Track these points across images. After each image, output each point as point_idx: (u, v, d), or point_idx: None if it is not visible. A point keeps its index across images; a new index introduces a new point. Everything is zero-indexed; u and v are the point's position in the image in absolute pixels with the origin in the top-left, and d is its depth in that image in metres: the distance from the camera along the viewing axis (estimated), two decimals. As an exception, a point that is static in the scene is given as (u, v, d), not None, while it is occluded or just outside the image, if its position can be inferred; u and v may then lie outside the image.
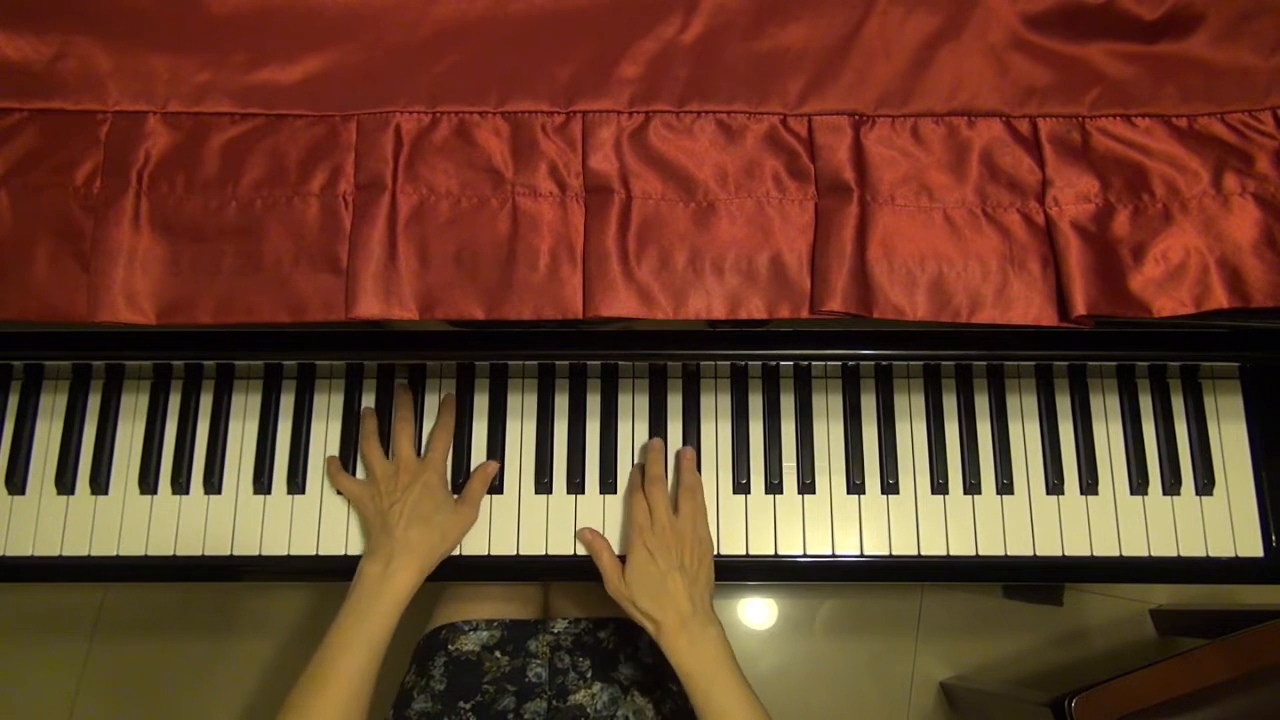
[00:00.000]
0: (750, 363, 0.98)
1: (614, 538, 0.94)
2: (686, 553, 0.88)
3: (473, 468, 0.96)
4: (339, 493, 0.95)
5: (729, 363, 0.98)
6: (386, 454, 0.94)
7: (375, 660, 0.83)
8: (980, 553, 0.95)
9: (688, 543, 0.89)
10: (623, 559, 0.90)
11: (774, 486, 0.96)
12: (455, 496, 0.94)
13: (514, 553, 0.95)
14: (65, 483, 0.96)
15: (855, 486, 0.96)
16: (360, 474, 0.96)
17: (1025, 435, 0.98)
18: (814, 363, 0.97)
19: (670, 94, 0.80)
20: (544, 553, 0.95)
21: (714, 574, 0.90)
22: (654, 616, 0.85)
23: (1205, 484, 0.96)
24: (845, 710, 1.62)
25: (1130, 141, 0.80)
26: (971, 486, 0.96)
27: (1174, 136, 0.79)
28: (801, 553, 0.95)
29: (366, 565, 0.87)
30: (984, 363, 0.98)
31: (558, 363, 0.97)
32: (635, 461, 0.97)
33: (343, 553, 0.94)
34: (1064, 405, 0.98)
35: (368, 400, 0.98)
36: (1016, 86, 0.81)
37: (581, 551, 0.94)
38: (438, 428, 0.96)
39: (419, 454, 0.95)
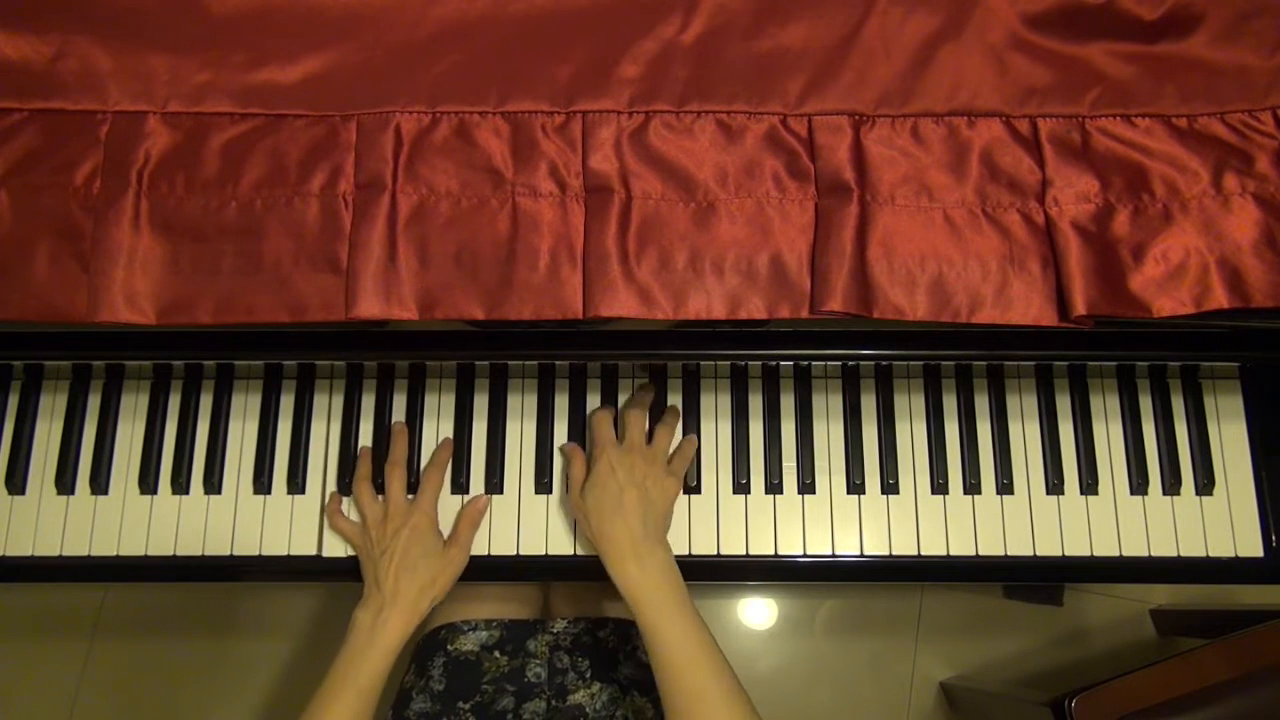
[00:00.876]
0: (750, 363, 0.98)
1: (614, 538, 0.94)
2: (651, 479, 0.87)
3: (473, 468, 0.96)
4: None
5: (729, 363, 0.98)
6: (382, 491, 0.93)
7: (368, 706, 0.84)
8: (980, 553, 0.95)
9: (656, 469, 0.88)
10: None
11: (774, 486, 0.96)
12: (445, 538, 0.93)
13: (514, 553, 0.94)
14: (65, 483, 0.96)
15: (855, 486, 0.96)
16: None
17: (1025, 435, 0.97)
18: (814, 363, 0.97)
19: (670, 94, 0.80)
20: (544, 553, 0.95)
21: (672, 516, 0.90)
22: (604, 532, 0.84)
23: (1205, 484, 0.96)
24: (845, 710, 1.62)
25: (1130, 141, 0.80)
26: (971, 486, 0.96)
27: (1174, 136, 0.79)
28: (801, 553, 0.95)
29: (359, 614, 0.88)
30: (984, 363, 0.98)
31: (558, 363, 0.97)
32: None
33: (344, 554, 0.94)
34: (1064, 405, 0.98)
35: (368, 400, 0.98)
36: (1016, 86, 0.81)
37: (582, 551, 0.94)
38: (430, 467, 0.95)
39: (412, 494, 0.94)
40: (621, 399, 0.98)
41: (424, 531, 0.91)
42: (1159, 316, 0.75)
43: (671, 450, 0.94)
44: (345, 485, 0.95)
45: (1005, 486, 0.96)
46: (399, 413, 0.97)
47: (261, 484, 0.96)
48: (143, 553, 0.95)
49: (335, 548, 0.95)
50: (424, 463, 0.96)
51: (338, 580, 0.94)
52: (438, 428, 0.97)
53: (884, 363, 0.97)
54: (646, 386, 0.97)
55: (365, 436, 0.97)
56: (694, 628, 0.81)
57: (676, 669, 0.80)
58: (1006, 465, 0.96)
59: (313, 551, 0.95)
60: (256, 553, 0.95)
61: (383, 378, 0.98)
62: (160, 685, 1.62)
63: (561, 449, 0.96)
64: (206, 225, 0.78)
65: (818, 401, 0.98)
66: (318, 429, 0.97)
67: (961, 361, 0.97)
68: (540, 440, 0.97)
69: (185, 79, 0.80)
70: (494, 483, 0.96)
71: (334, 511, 0.94)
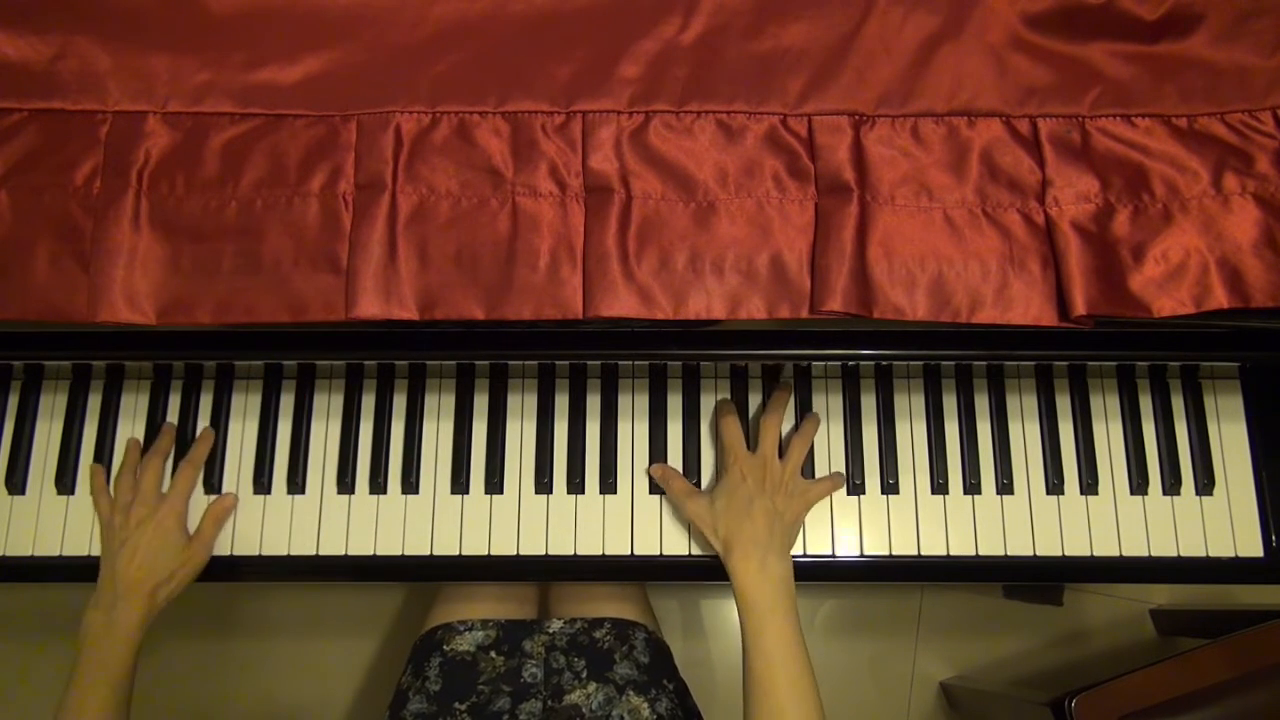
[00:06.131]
0: (750, 363, 0.97)
1: (622, 540, 0.94)
2: (782, 495, 0.87)
3: (473, 468, 0.96)
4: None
5: (729, 363, 0.98)
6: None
7: (123, 695, 0.84)
8: (980, 553, 0.95)
9: (787, 485, 0.88)
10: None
11: (774, 486, 0.96)
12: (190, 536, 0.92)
13: (514, 553, 0.95)
14: (65, 483, 0.96)
15: (855, 486, 0.96)
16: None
17: (1025, 435, 0.98)
18: (814, 363, 0.97)
19: (670, 94, 0.80)
20: (544, 553, 0.95)
21: (799, 532, 0.88)
22: (729, 535, 0.83)
23: (1205, 484, 0.96)
24: (845, 710, 1.62)
25: (1130, 141, 0.80)
26: (971, 486, 0.96)
27: (1174, 136, 0.79)
28: (802, 553, 0.95)
29: (89, 614, 0.87)
30: (984, 363, 0.98)
31: (558, 363, 0.97)
32: (637, 467, 0.97)
33: (343, 553, 0.94)
34: (1064, 405, 0.98)
35: (368, 400, 0.98)
36: (1016, 86, 0.81)
37: (582, 551, 0.94)
38: (185, 463, 0.94)
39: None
40: (622, 399, 0.98)
41: (169, 529, 0.90)
42: (1159, 316, 0.75)
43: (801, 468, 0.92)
44: (346, 484, 0.95)
45: (1005, 486, 0.96)
46: (399, 413, 0.97)
47: (261, 484, 0.96)
48: (143, 553, 0.95)
49: (334, 547, 0.94)
50: (424, 459, 0.96)
51: (340, 580, 0.94)
52: (438, 428, 0.97)
53: (884, 363, 0.97)
54: (785, 386, 0.95)
55: (365, 436, 0.97)
56: (794, 646, 0.80)
57: (765, 684, 0.80)
58: (1006, 465, 0.96)
59: (312, 551, 0.95)
60: (257, 553, 0.95)
61: (383, 378, 0.98)
62: (161, 685, 1.62)
63: (651, 471, 0.95)
64: (206, 225, 0.78)
65: (818, 401, 0.98)
66: (318, 429, 0.97)
67: (961, 361, 0.97)
68: (540, 440, 0.97)
69: (185, 79, 0.80)
70: (494, 483, 0.96)
71: (98, 488, 0.94)
